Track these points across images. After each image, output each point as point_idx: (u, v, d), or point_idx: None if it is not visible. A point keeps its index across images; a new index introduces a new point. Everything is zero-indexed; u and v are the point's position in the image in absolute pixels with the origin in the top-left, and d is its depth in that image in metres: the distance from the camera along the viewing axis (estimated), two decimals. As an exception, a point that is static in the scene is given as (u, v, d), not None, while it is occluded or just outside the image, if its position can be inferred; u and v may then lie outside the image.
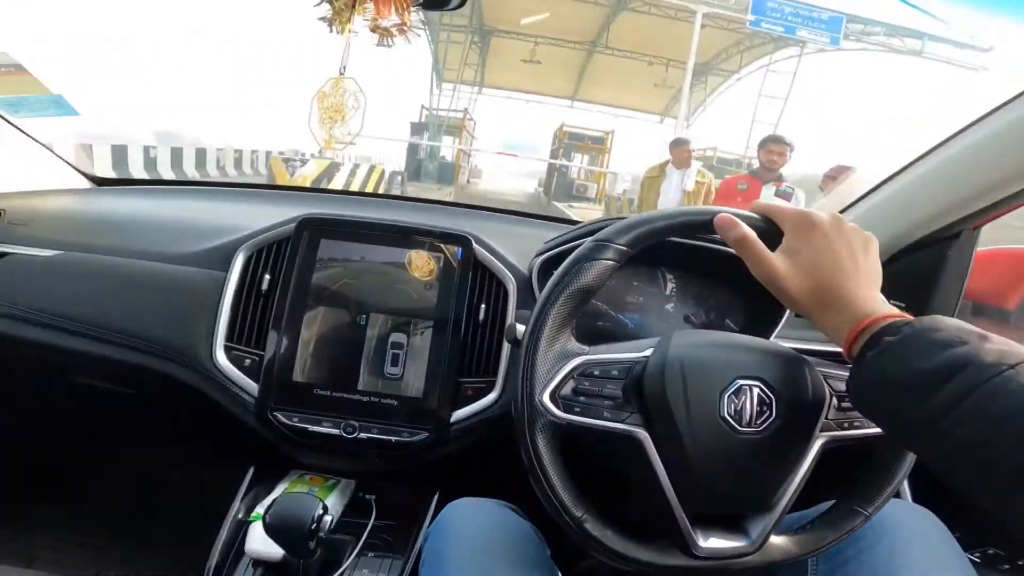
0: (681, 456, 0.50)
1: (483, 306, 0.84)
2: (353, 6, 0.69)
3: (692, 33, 12.62)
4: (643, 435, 0.51)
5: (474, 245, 0.85)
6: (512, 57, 18.12)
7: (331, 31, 0.70)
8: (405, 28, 0.72)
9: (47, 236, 0.92)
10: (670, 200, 3.98)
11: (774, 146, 3.51)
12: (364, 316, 0.82)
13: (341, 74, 0.76)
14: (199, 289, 0.84)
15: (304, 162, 7.93)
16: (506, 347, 0.82)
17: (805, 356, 0.54)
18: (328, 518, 0.69)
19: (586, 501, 0.53)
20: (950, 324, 0.43)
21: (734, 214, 0.53)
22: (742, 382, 0.51)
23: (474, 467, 0.92)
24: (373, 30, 0.72)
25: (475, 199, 14.70)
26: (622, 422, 0.52)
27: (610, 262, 0.53)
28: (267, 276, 0.82)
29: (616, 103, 21.14)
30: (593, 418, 0.51)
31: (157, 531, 1.12)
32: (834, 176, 3.54)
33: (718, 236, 0.53)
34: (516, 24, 16.41)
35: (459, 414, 0.80)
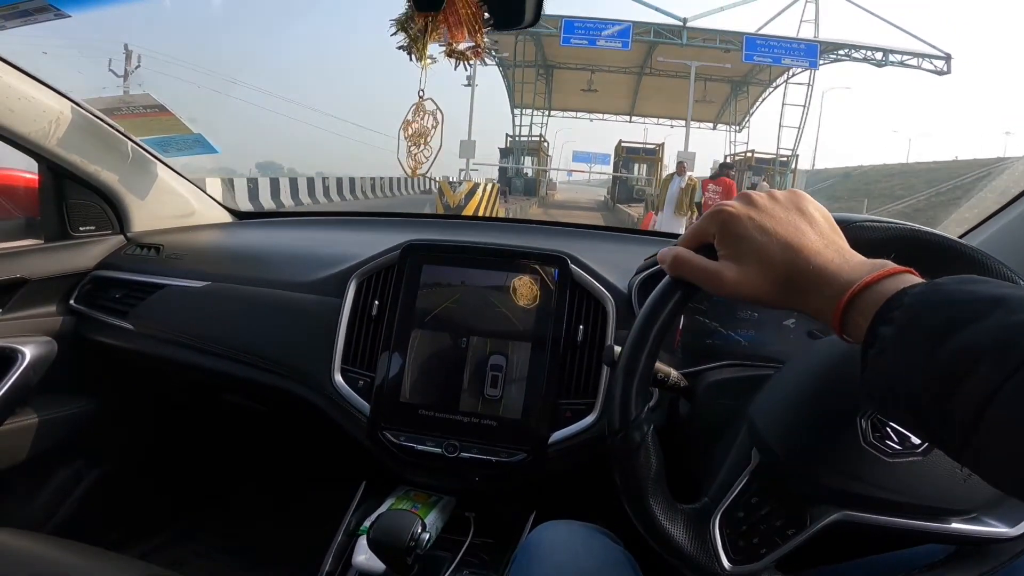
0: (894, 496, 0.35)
1: (581, 327, 0.71)
2: (426, 32, 0.58)
3: (718, 57, 13.28)
4: (845, 516, 0.36)
5: (571, 265, 0.72)
6: (575, 85, 18.61)
7: (411, 59, 0.61)
8: (480, 50, 0.61)
9: (197, 268, 0.90)
10: (672, 193, 6.01)
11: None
12: (465, 339, 0.72)
13: (420, 97, 0.66)
14: (319, 315, 0.78)
15: (460, 183, 9.90)
16: (605, 368, 0.68)
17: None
18: (425, 536, 0.60)
19: None
20: (970, 283, 0.26)
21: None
22: (864, 418, 0.35)
23: (571, 488, 0.79)
24: (449, 55, 0.62)
25: (554, 206, 16.01)
26: (811, 526, 0.36)
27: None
28: (376, 302, 0.75)
29: (670, 115, 21.06)
30: (784, 544, 0.36)
31: (288, 541, 1.08)
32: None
33: None
34: (573, 57, 16.63)
35: (557, 435, 0.68)
